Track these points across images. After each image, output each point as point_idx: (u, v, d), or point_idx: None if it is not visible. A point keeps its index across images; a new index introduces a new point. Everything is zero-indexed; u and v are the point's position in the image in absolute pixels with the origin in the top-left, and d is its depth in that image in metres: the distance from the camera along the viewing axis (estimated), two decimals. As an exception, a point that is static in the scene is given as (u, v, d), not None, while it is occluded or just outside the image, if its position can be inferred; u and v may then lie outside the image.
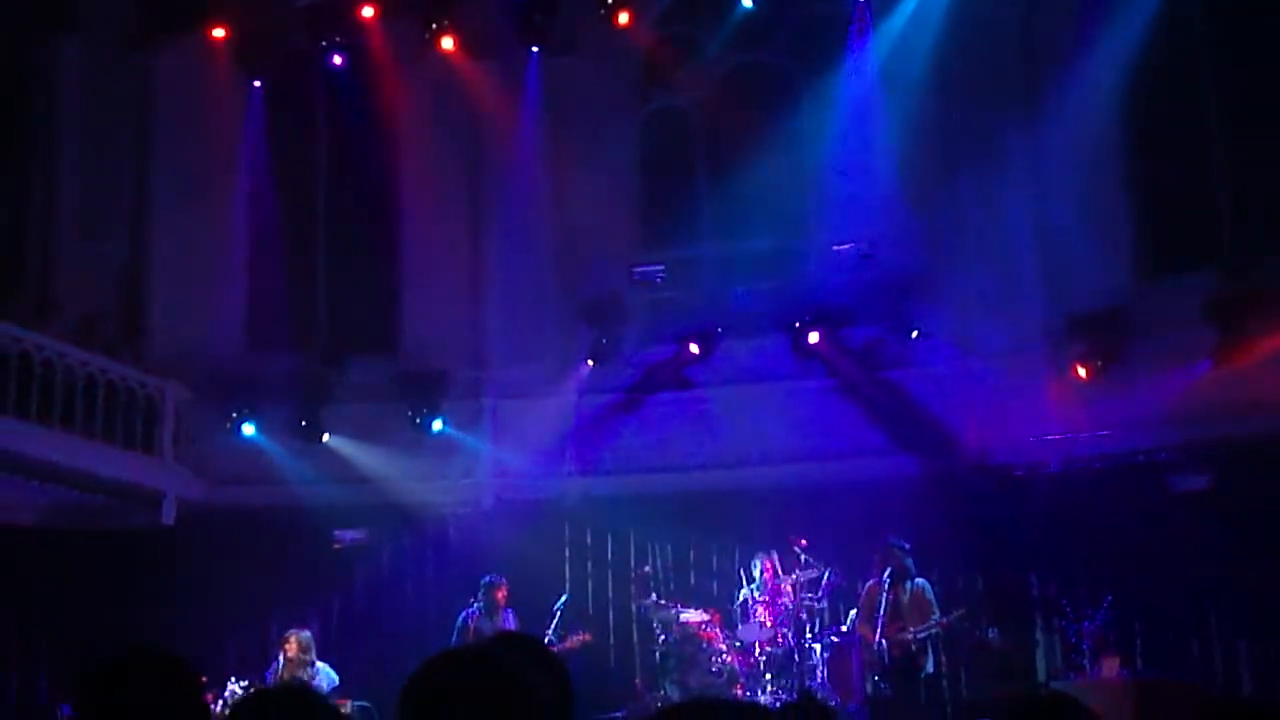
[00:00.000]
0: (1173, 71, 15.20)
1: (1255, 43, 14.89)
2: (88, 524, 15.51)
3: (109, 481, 15.23)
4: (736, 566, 14.58)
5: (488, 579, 13.71)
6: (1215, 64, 15.21)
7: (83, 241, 16.74)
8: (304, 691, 2.81)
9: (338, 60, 17.04)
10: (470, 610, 13.61)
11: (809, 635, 13.50)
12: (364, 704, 13.13)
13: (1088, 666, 13.28)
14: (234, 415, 16.31)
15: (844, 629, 13.62)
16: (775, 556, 13.81)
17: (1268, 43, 14.77)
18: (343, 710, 11.94)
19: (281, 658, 13.24)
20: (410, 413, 16.41)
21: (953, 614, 13.14)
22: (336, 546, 16.27)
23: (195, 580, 15.36)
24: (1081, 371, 14.93)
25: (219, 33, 16.82)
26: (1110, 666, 12.89)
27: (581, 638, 13.71)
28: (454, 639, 13.14)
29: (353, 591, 16.15)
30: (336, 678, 13.27)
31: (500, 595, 13.58)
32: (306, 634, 13.47)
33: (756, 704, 9.83)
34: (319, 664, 13.33)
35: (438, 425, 16.38)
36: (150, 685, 3.17)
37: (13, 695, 15.05)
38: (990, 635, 13.92)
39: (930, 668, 13.18)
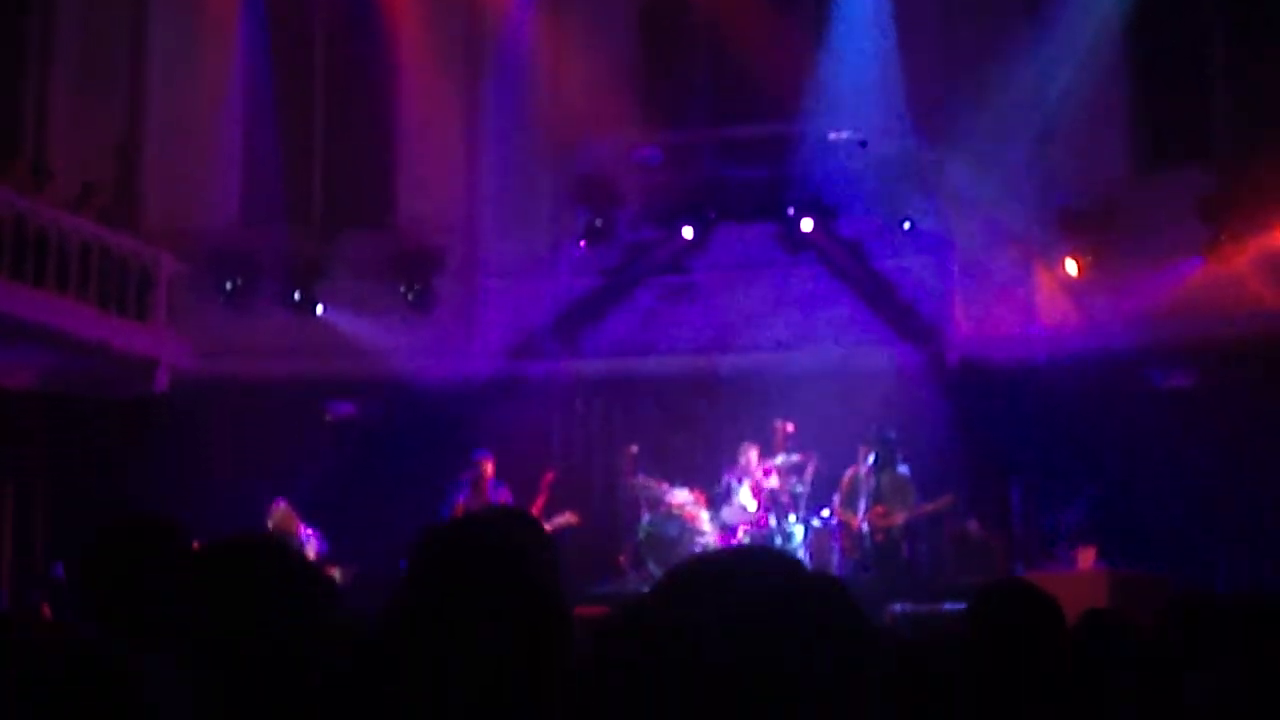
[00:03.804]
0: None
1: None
2: (81, 390, 15.64)
3: (102, 346, 15.27)
4: (722, 449, 14.76)
5: (474, 455, 13.83)
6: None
7: (79, 110, 16.61)
8: (279, 544, 2.84)
9: (337, -67, 16.84)
10: (459, 487, 13.75)
11: (791, 519, 13.71)
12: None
13: (1064, 557, 13.49)
14: (228, 287, 16.39)
15: (826, 513, 13.83)
16: (757, 446, 14.00)
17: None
18: (334, 577, 12.15)
19: (270, 525, 13.42)
20: (403, 288, 16.52)
21: (939, 500, 13.35)
22: (328, 419, 16.45)
23: (187, 447, 15.50)
24: (1072, 266, 14.99)
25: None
26: (1086, 557, 13.05)
27: (567, 519, 13.84)
28: (445, 514, 13.31)
29: (344, 462, 16.26)
30: (325, 545, 13.48)
31: (486, 470, 13.72)
32: (286, 504, 13.62)
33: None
34: (307, 531, 13.52)
35: (430, 300, 16.48)
36: (144, 550, 3.30)
37: (9, 554, 15.29)
38: (969, 524, 14.13)
39: (909, 553, 13.41)
